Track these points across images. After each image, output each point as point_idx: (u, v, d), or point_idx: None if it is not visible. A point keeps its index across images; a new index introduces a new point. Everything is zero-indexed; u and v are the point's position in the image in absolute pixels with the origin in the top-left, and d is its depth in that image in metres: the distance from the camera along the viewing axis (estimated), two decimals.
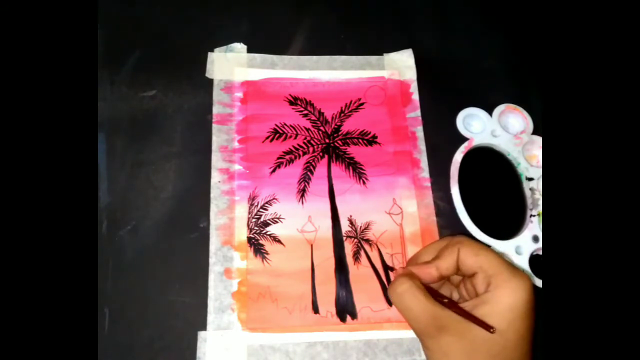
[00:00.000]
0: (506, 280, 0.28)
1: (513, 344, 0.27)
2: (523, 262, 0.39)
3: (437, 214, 0.41)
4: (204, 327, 0.36)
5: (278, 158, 0.42)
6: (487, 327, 0.27)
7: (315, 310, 0.37)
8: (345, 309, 0.37)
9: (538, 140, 0.43)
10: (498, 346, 0.27)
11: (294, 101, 0.44)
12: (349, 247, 0.39)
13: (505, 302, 0.28)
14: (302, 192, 0.41)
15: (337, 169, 0.42)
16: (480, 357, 0.27)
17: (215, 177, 0.40)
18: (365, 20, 0.48)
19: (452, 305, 0.29)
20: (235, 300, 0.36)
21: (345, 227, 0.40)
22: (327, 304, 0.37)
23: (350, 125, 0.44)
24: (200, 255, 0.38)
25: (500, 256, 0.29)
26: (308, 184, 0.41)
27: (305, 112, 0.44)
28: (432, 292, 0.30)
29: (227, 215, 0.39)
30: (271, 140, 0.42)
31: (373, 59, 0.46)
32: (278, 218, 0.40)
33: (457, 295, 0.32)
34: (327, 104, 0.44)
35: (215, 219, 0.39)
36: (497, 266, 0.29)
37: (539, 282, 0.38)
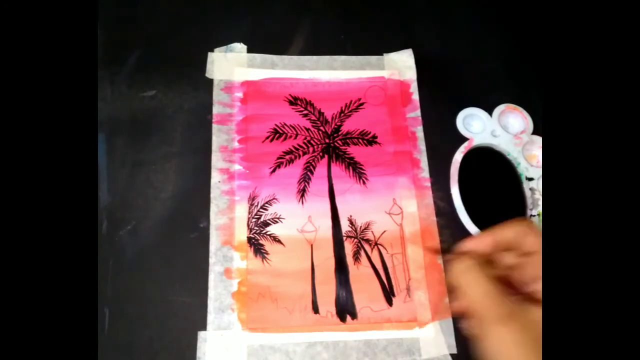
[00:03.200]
0: None
1: None
2: None
3: (437, 214, 0.41)
4: (204, 327, 0.36)
5: (278, 158, 0.42)
6: None
7: (315, 310, 0.37)
8: (345, 309, 0.37)
9: (538, 140, 0.43)
10: None
11: (294, 101, 0.44)
12: (349, 247, 0.39)
13: None
14: (302, 192, 0.41)
15: (337, 169, 0.42)
16: (539, 346, 0.26)
17: (215, 177, 0.40)
18: (365, 20, 0.48)
19: (517, 290, 0.28)
20: (235, 300, 0.36)
21: (345, 227, 0.40)
22: (327, 304, 0.37)
23: (350, 125, 0.44)
24: (200, 255, 0.38)
25: None
26: (308, 184, 0.41)
27: (305, 112, 0.44)
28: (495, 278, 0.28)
29: (227, 215, 0.39)
30: (271, 140, 0.42)
31: (373, 59, 0.46)
32: (278, 218, 0.40)
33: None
34: (327, 104, 0.44)
35: (215, 219, 0.39)
36: None
37: None
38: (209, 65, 0.44)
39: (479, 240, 0.30)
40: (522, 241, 0.29)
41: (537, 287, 0.28)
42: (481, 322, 0.28)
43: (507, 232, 0.30)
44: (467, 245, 0.30)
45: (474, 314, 0.28)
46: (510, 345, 0.27)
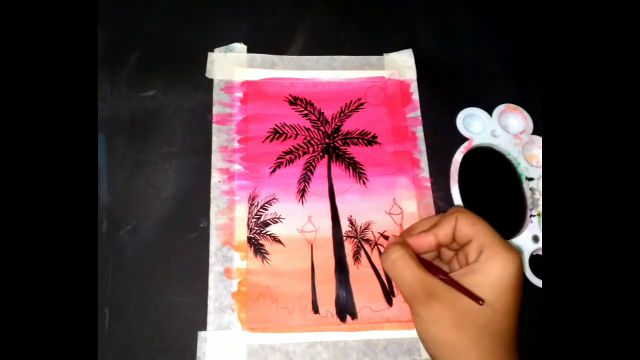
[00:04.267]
0: (498, 252, 0.29)
1: (500, 315, 0.28)
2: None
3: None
4: (204, 327, 0.36)
5: (278, 158, 0.42)
6: (477, 299, 0.28)
7: (315, 310, 0.37)
8: (345, 309, 0.37)
9: (538, 140, 0.43)
10: (485, 317, 0.28)
11: (294, 101, 0.44)
12: (349, 247, 0.39)
13: (495, 274, 0.28)
14: (302, 192, 0.41)
15: (337, 169, 0.42)
16: (468, 327, 0.28)
17: (215, 177, 0.40)
18: (365, 20, 0.48)
19: (442, 274, 0.30)
20: (235, 300, 0.36)
21: (345, 227, 0.40)
22: (327, 304, 0.37)
23: (350, 125, 0.44)
24: (200, 255, 0.38)
25: (495, 230, 0.30)
26: (308, 184, 0.41)
27: (305, 112, 0.44)
28: (423, 263, 0.30)
29: (227, 215, 0.39)
30: (271, 140, 0.42)
31: (373, 59, 0.46)
32: (278, 218, 0.40)
33: (447, 270, 0.33)
34: (327, 104, 0.44)
35: (215, 219, 0.39)
36: (491, 237, 0.29)
37: (539, 282, 0.38)
38: (209, 65, 0.44)
39: (420, 237, 0.32)
40: (458, 234, 0.31)
41: (465, 272, 0.29)
42: (411, 305, 0.29)
43: (445, 228, 0.31)
44: (406, 240, 0.32)
45: (406, 299, 0.30)
46: (436, 323, 0.28)
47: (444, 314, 0.28)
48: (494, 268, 0.28)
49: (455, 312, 0.28)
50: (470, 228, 0.30)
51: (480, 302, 0.27)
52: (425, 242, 0.32)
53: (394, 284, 0.31)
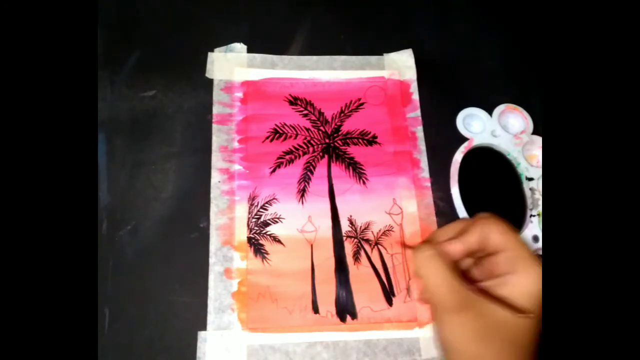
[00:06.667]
0: (530, 265, 0.27)
1: (532, 329, 0.27)
2: None
3: (437, 214, 0.41)
4: (204, 327, 0.36)
5: (278, 158, 0.42)
6: (520, 311, 0.26)
7: (315, 310, 0.37)
8: (345, 309, 0.37)
9: (538, 140, 0.43)
10: (512, 332, 0.27)
11: (294, 101, 0.44)
12: (349, 247, 0.39)
13: (526, 288, 0.27)
14: (302, 192, 0.41)
15: (337, 169, 0.42)
16: (495, 340, 0.27)
17: (215, 177, 0.40)
18: (365, 20, 0.48)
19: (472, 283, 0.28)
20: (235, 300, 0.36)
21: (345, 227, 0.40)
22: (327, 304, 0.37)
23: (350, 125, 0.44)
24: (200, 255, 0.38)
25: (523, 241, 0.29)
26: (308, 184, 0.41)
27: (305, 112, 0.44)
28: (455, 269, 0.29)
29: (227, 215, 0.39)
30: (271, 140, 0.42)
31: (373, 59, 0.46)
32: (278, 218, 0.40)
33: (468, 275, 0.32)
34: (327, 104, 0.44)
35: (215, 219, 0.39)
36: (523, 249, 0.28)
37: None
38: (209, 65, 0.44)
39: (447, 245, 0.30)
40: (486, 242, 0.29)
41: (494, 284, 0.28)
42: (438, 310, 0.28)
43: (473, 236, 0.30)
44: (436, 241, 0.31)
45: (432, 302, 0.29)
46: (462, 334, 0.27)
47: (471, 325, 0.27)
48: (526, 282, 0.27)
49: (484, 323, 0.27)
50: (502, 237, 0.29)
51: (530, 315, 0.26)
52: (452, 249, 0.30)
53: (423, 286, 0.29)
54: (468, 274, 0.32)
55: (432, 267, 0.28)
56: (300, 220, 0.40)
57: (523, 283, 0.27)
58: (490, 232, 0.29)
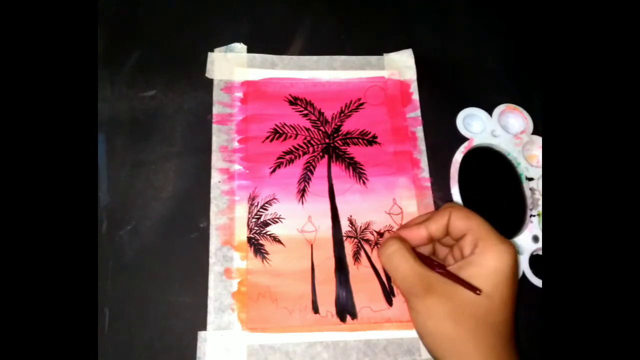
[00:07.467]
0: (493, 244, 0.29)
1: (497, 307, 0.28)
2: (523, 262, 0.39)
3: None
4: (204, 327, 0.36)
5: (278, 158, 0.42)
6: (474, 289, 0.28)
7: (315, 310, 0.37)
8: (345, 309, 0.37)
9: (538, 140, 0.43)
10: (482, 309, 0.28)
11: (294, 101, 0.44)
12: (349, 247, 0.39)
13: (491, 265, 0.29)
14: (302, 192, 0.41)
15: (337, 169, 0.42)
16: (465, 319, 0.28)
17: (215, 177, 0.40)
18: (365, 20, 0.48)
19: (439, 267, 0.30)
20: (235, 300, 0.36)
21: (345, 227, 0.40)
22: (327, 304, 0.37)
23: (350, 125, 0.44)
24: (200, 255, 0.38)
25: (488, 223, 0.30)
26: (308, 184, 0.41)
27: (305, 112, 0.44)
28: (420, 257, 0.31)
29: (227, 215, 0.39)
30: (271, 140, 0.42)
31: (373, 59, 0.46)
32: (278, 218, 0.40)
33: (445, 262, 0.33)
34: (327, 104, 0.44)
35: (215, 219, 0.39)
36: (485, 230, 0.30)
37: (539, 282, 0.38)
38: (209, 65, 0.44)
39: (412, 230, 0.32)
40: (452, 228, 0.31)
41: (461, 265, 0.30)
42: (409, 299, 0.30)
43: (437, 222, 0.32)
44: (400, 233, 0.33)
45: (403, 293, 0.31)
46: (434, 316, 0.28)
47: (441, 307, 0.28)
48: (490, 260, 0.29)
49: (452, 305, 0.28)
50: (464, 222, 0.30)
51: (478, 292, 0.28)
52: (416, 234, 0.32)
53: (392, 279, 0.31)
54: (444, 261, 0.33)
55: (396, 261, 0.30)
56: (300, 220, 0.40)
57: (486, 262, 0.29)
58: (454, 218, 0.31)
